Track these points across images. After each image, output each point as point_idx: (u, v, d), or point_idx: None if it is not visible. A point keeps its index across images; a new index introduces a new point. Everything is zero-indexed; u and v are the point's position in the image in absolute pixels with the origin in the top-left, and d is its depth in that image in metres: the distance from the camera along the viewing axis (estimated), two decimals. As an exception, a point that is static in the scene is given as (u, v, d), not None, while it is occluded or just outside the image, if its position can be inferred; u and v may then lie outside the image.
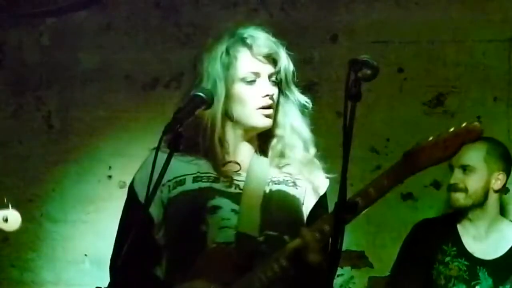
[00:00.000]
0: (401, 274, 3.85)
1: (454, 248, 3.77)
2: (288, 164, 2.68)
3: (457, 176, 3.79)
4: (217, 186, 2.58)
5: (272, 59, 2.65)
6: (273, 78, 2.65)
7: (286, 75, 2.67)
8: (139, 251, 2.46)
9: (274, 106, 2.65)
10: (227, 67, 2.62)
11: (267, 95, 2.62)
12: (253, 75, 2.62)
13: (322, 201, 2.70)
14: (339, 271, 4.38)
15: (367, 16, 4.67)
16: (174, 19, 4.79)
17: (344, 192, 2.22)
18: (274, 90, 2.65)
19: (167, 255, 2.58)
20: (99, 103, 4.90)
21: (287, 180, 2.65)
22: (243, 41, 2.64)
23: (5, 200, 3.66)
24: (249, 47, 2.63)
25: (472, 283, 3.72)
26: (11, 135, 4.97)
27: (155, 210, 2.58)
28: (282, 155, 2.68)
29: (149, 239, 2.57)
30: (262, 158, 2.68)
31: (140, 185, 2.58)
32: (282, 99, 2.69)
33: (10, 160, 4.95)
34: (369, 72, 2.24)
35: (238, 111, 2.63)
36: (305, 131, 2.71)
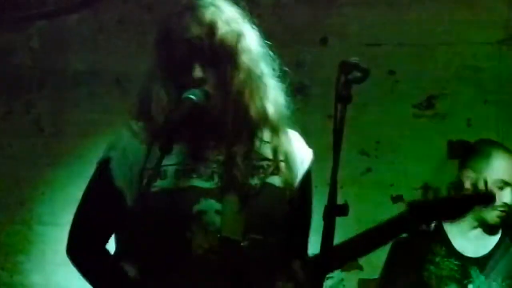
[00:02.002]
0: (392, 277, 3.85)
1: (444, 248, 3.77)
2: (267, 142, 2.50)
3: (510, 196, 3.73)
4: (198, 182, 2.41)
5: (206, 38, 2.40)
6: (209, 58, 2.41)
7: (225, 48, 2.42)
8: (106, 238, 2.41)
9: (209, 81, 2.41)
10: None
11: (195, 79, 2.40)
12: (184, 63, 2.42)
13: (306, 181, 2.57)
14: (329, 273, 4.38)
15: (358, 18, 4.68)
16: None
17: (334, 194, 2.22)
18: (206, 71, 2.40)
19: (143, 255, 2.42)
20: (90, 106, 4.89)
21: (270, 166, 2.48)
22: (173, 22, 2.44)
23: None
24: (178, 31, 2.42)
25: (464, 282, 3.72)
26: (1, 138, 4.96)
27: (131, 200, 2.42)
28: (258, 132, 2.49)
29: (122, 229, 2.43)
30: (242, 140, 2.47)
31: (118, 170, 2.44)
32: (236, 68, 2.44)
33: (0, 163, 4.93)
34: (359, 74, 2.24)
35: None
36: (277, 100, 2.51)
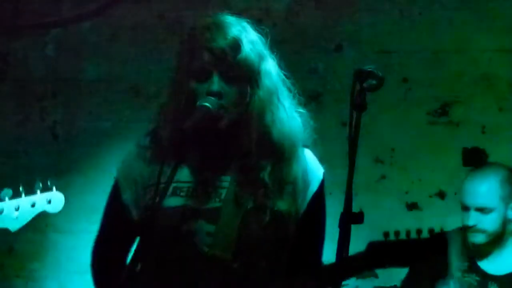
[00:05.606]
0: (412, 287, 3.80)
1: (466, 264, 3.73)
2: (274, 164, 2.48)
3: (475, 218, 3.68)
4: (193, 203, 2.44)
5: (230, 52, 2.40)
6: (230, 73, 2.41)
7: (248, 66, 2.42)
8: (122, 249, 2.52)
9: (224, 97, 2.40)
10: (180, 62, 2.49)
11: (212, 92, 2.40)
12: (203, 71, 2.42)
13: (314, 202, 2.54)
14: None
15: (372, 26, 4.68)
16: (178, 30, 4.80)
17: (349, 202, 2.22)
18: (224, 87, 2.41)
19: (141, 268, 2.47)
20: (104, 113, 4.91)
21: (275, 190, 2.46)
22: (199, 33, 2.44)
23: (49, 183, 3.61)
24: (204, 40, 2.41)
25: None
26: (16, 146, 4.98)
27: (137, 214, 2.53)
28: (267, 154, 2.47)
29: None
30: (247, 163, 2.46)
31: (125, 185, 2.55)
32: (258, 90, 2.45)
33: (15, 170, 4.95)
34: (374, 82, 2.24)
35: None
36: (292, 123, 2.50)
